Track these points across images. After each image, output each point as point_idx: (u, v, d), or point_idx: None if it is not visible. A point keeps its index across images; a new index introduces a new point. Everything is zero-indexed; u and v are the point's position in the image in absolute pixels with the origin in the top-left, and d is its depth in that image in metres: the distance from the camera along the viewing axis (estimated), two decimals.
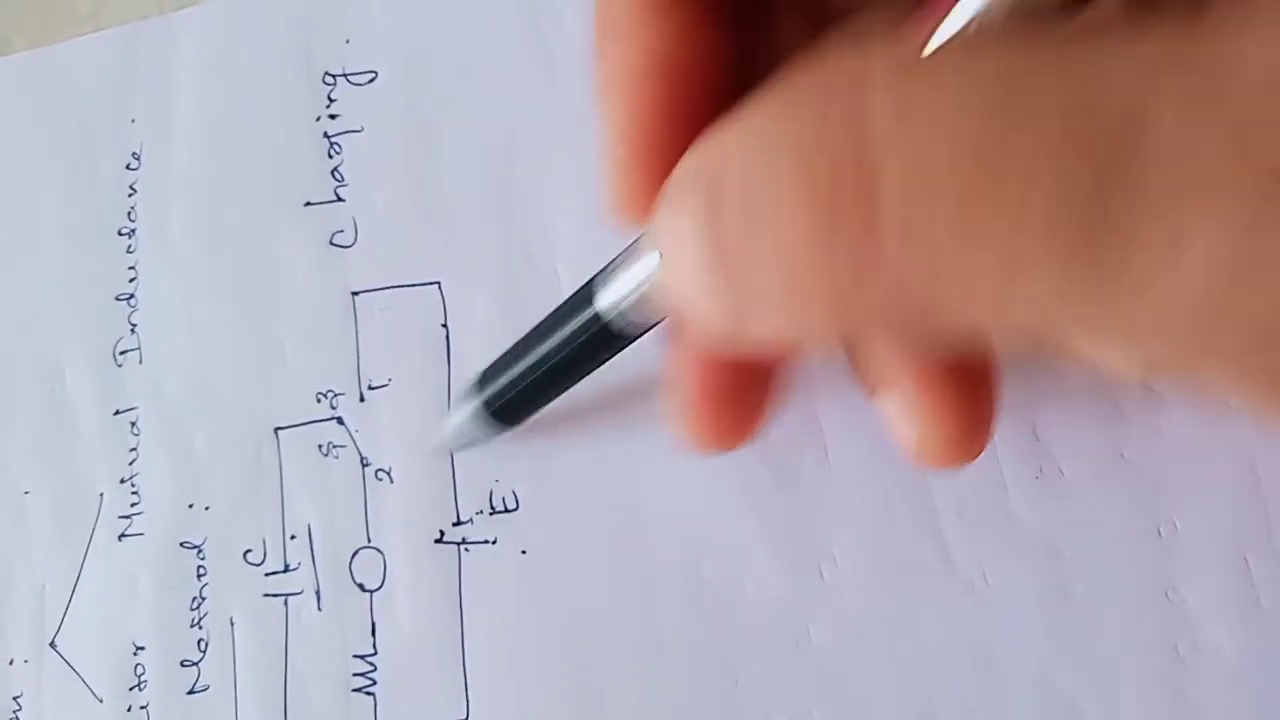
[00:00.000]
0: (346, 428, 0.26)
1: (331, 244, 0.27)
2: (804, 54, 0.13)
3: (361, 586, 0.25)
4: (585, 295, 0.18)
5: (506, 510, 0.25)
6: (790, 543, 0.24)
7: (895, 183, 0.11)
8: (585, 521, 0.24)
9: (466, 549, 0.25)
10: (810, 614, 0.23)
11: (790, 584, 0.24)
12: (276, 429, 0.26)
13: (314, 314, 0.27)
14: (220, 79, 0.28)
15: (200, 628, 0.25)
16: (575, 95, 0.27)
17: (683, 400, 0.19)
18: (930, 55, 0.12)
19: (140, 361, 0.27)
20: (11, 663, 0.26)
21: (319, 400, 0.26)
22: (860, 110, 0.11)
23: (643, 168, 0.16)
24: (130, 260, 0.28)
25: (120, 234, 0.28)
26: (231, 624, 0.25)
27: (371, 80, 0.28)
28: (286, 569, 0.25)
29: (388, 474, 0.25)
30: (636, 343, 0.19)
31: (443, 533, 0.25)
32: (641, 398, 0.25)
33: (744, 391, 0.19)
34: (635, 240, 0.17)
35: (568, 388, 0.22)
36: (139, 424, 0.27)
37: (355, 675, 0.24)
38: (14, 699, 0.26)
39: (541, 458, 0.25)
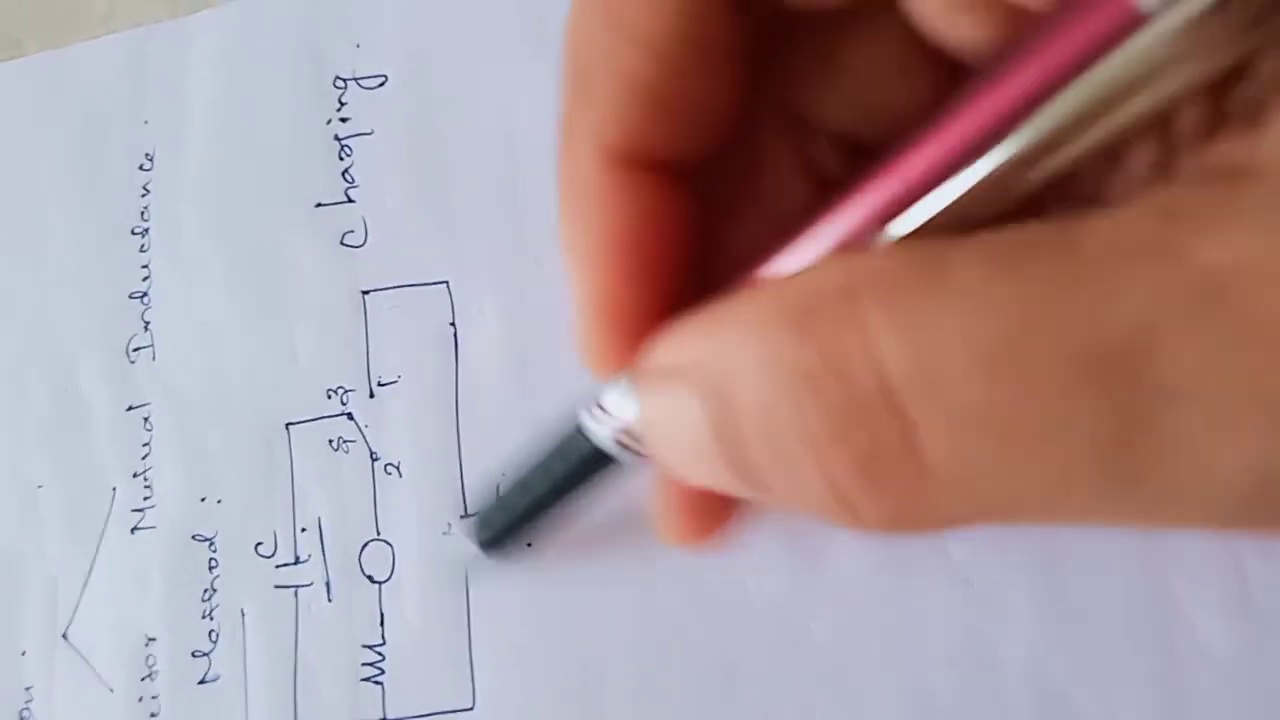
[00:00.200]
0: (356, 423, 0.26)
1: (342, 244, 0.27)
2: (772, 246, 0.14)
3: (371, 578, 0.25)
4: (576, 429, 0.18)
5: None
6: (790, 540, 0.24)
7: (933, 428, 0.12)
8: (590, 516, 0.25)
9: None
10: (811, 611, 0.24)
11: (791, 581, 0.24)
12: (288, 424, 0.26)
13: (325, 312, 0.27)
14: (233, 82, 0.29)
15: (211, 619, 0.26)
16: None
17: (658, 505, 0.20)
18: (918, 269, 0.12)
19: (153, 358, 0.27)
20: (24, 654, 0.26)
21: (329, 396, 0.26)
22: (871, 346, 0.12)
23: (615, 332, 0.16)
24: (144, 259, 0.28)
25: (134, 233, 0.28)
26: (242, 615, 0.25)
27: (382, 84, 0.28)
28: (297, 561, 0.26)
29: (397, 468, 0.26)
30: None
31: (450, 526, 0.25)
32: None
33: (715, 499, 0.19)
34: (616, 383, 0.17)
35: (556, 511, 0.22)
36: (152, 419, 0.27)
37: (364, 665, 0.25)
38: (26, 689, 0.26)
39: None
